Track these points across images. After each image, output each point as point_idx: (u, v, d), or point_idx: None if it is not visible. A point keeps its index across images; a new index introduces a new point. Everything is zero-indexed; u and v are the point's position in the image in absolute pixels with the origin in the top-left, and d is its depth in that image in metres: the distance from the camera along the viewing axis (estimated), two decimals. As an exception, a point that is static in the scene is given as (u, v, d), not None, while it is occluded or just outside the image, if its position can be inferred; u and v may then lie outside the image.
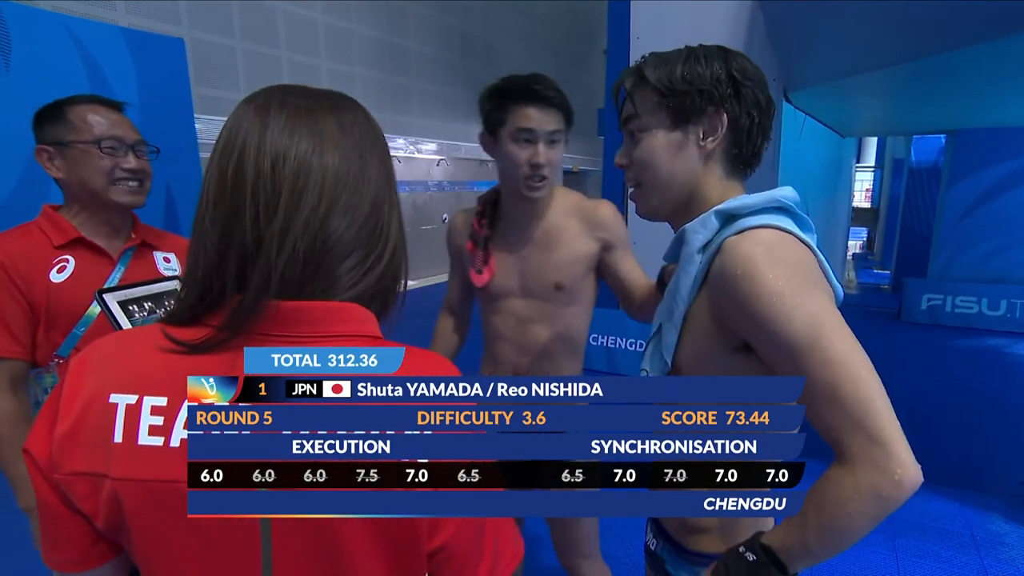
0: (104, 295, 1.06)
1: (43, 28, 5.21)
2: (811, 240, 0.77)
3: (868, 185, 14.87)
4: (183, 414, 0.51)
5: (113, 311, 1.04)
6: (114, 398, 0.51)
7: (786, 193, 0.80)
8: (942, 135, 7.16)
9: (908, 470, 0.63)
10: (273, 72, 7.22)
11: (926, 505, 2.79)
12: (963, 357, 5.23)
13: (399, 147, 8.93)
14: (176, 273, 1.29)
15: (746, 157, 0.85)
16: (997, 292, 6.07)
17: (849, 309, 7.20)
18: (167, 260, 1.31)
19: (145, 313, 1.08)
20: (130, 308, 1.07)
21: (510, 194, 1.39)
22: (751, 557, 0.73)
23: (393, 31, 9.10)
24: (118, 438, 0.50)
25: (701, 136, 0.82)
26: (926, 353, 5.34)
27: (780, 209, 0.79)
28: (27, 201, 5.20)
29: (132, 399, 0.51)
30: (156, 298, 1.12)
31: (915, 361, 5.08)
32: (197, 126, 6.27)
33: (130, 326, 1.04)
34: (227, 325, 0.51)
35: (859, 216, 12.32)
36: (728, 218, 0.80)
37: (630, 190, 0.92)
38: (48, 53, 5.40)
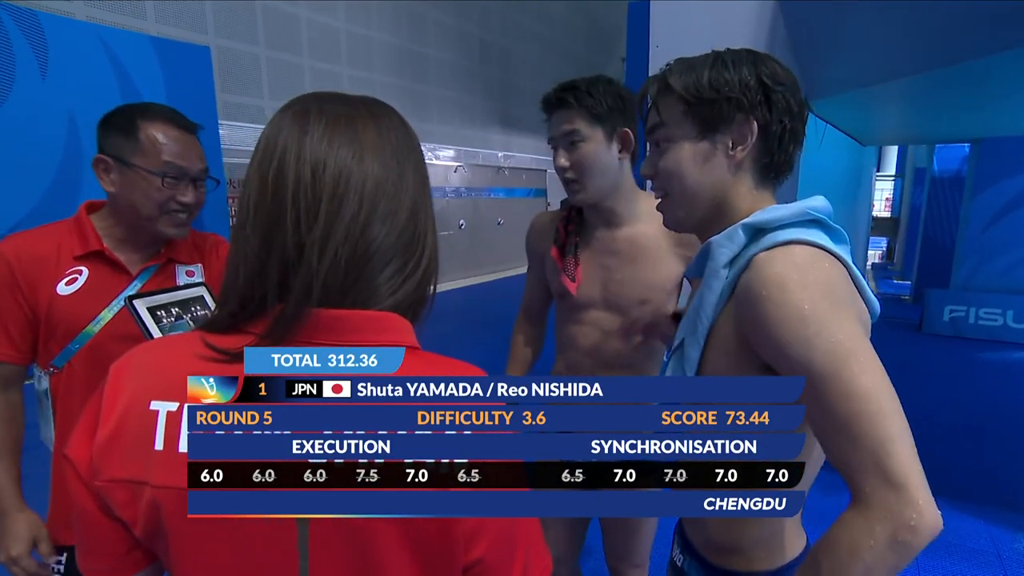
0: (134, 301, 1.05)
1: (78, 37, 5.38)
2: (845, 253, 0.73)
3: (888, 194, 14.66)
4: None
5: (143, 317, 1.04)
6: (155, 405, 0.51)
7: (817, 204, 0.76)
8: (966, 144, 7.03)
9: (925, 516, 0.59)
10: (296, 79, 7.33)
11: (951, 522, 2.71)
12: (987, 370, 5.11)
13: (417, 154, 8.99)
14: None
15: (778, 165, 0.81)
16: (1023, 304, 5.93)
17: (870, 320, 7.07)
18: (190, 274, 1.26)
19: (172, 319, 1.09)
20: (158, 314, 1.08)
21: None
22: None
23: (413, 38, 9.19)
24: (159, 446, 0.51)
25: (730, 145, 0.79)
26: (949, 366, 5.22)
27: (812, 222, 0.75)
28: (57, 205, 5.33)
29: (173, 407, 0.51)
30: (183, 304, 1.12)
31: (938, 374, 4.97)
32: (221, 132, 6.41)
33: (159, 332, 1.05)
34: (270, 333, 0.51)
35: (879, 225, 12.14)
36: (756, 232, 0.76)
37: (657, 201, 0.90)
38: (82, 61, 5.57)
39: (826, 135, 4.97)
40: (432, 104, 9.69)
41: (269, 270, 0.52)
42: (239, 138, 6.50)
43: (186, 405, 0.49)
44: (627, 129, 1.26)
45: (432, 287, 0.60)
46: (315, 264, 0.51)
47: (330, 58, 7.82)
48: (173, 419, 0.50)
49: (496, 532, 0.53)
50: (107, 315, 1.12)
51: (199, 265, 1.27)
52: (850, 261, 0.73)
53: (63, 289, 1.11)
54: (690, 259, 1.25)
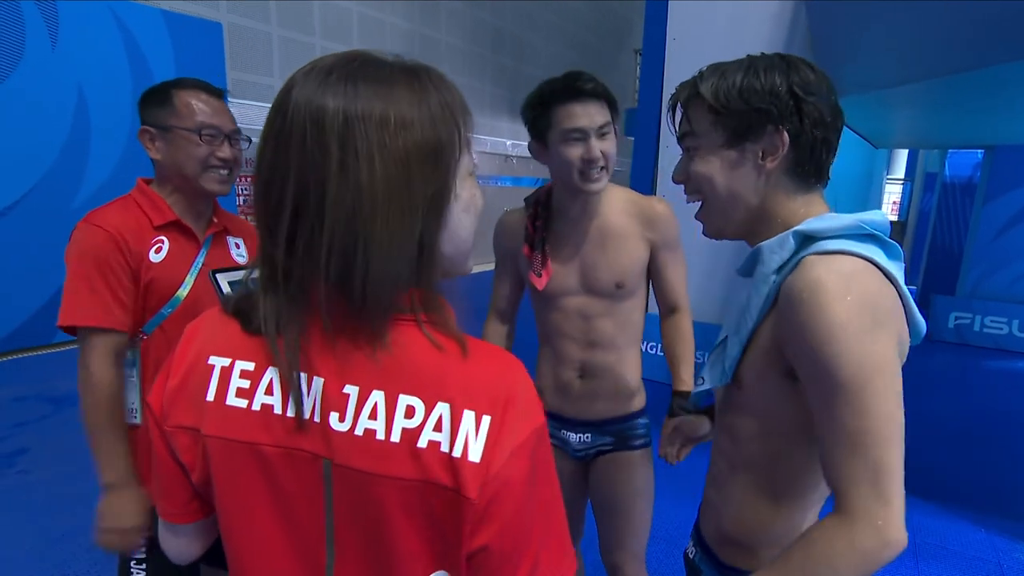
0: (217, 275, 1.20)
1: (90, 8, 5.34)
2: (897, 271, 0.72)
3: (896, 198, 14.60)
4: (266, 380, 0.53)
5: (223, 288, 1.19)
6: (212, 360, 0.55)
7: (874, 218, 0.74)
8: (979, 150, 6.99)
9: (899, 535, 0.64)
10: (306, 59, 7.24)
11: (952, 530, 2.73)
12: (991, 379, 5.11)
13: (426, 139, 8.94)
14: (244, 258, 1.35)
15: (808, 174, 0.79)
16: (1029, 314, 5.92)
17: (874, 323, 7.05)
18: (237, 246, 1.36)
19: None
20: (234, 286, 1.21)
21: (566, 192, 1.37)
22: None
23: (425, 23, 9.11)
24: (210, 396, 0.54)
25: (760, 155, 0.77)
26: (952, 373, 5.23)
27: (868, 236, 0.73)
28: (65, 175, 5.30)
29: (226, 362, 0.55)
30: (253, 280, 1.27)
31: (941, 381, 4.97)
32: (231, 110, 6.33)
33: None
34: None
35: (886, 229, 12.09)
36: (805, 239, 0.75)
37: (696, 210, 0.87)
38: (93, 33, 5.54)
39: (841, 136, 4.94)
40: (442, 90, 9.62)
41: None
42: (248, 117, 6.46)
43: (269, 370, 0.53)
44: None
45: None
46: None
47: (342, 39, 7.75)
48: (225, 373, 0.54)
49: (507, 521, 0.51)
50: (190, 280, 1.22)
51: (242, 239, 1.39)
52: (900, 279, 0.72)
53: (154, 257, 1.19)
54: (652, 241, 1.40)
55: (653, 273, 1.45)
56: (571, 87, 1.26)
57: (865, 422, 0.64)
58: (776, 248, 0.77)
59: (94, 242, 1.14)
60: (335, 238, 0.48)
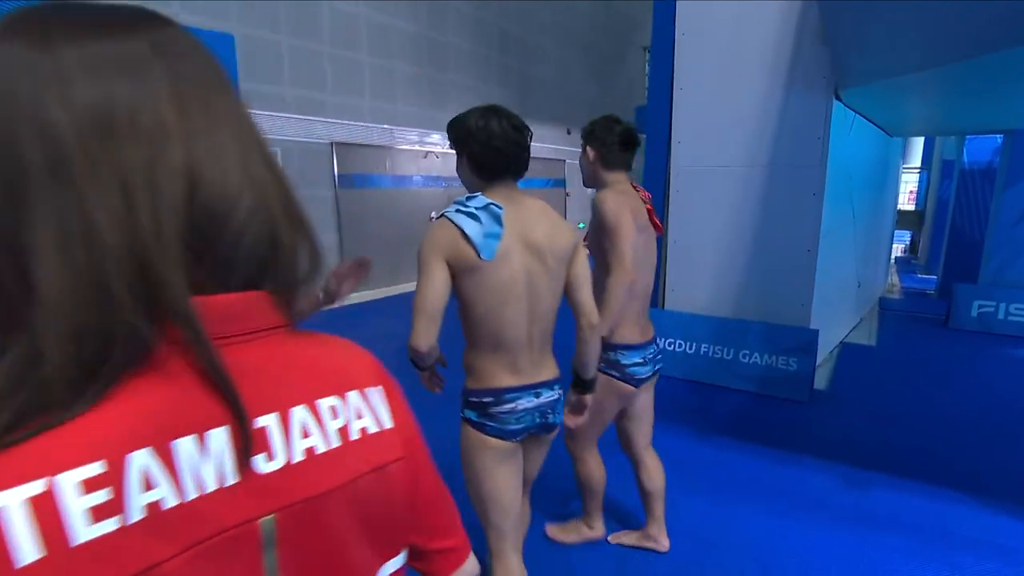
0: None
1: (103, 24, 5.38)
2: (463, 223, 1.41)
3: (912, 187, 14.39)
4: (135, 475, 0.36)
5: None
6: (5, 496, 0.33)
7: (471, 200, 1.46)
8: (998, 136, 6.87)
9: (415, 342, 1.42)
10: (316, 66, 7.33)
11: (984, 520, 2.69)
12: (1018, 367, 5.01)
13: (436, 142, 8.98)
14: None
15: (482, 174, 1.52)
16: (1055, 300, 5.81)
17: (893, 315, 6.97)
18: None
19: None
20: None
21: None
22: None
23: (432, 26, 9.15)
24: (37, 552, 0.32)
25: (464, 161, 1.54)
26: (977, 362, 5.13)
27: (463, 211, 1.44)
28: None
29: (39, 487, 0.34)
30: None
31: (965, 370, 4.89)
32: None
33: None
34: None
35: (902, 219, 11.89)
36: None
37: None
38: (107, 48, 5.59)
39: (854, 125, 4.87)
40: (451, 92, 9.64)
41: None
42: (260, 126, 6.51)
43: (56, 476, 0.35)
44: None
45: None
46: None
47: (350, 46, 7.80)
48: (42, 504, 0.34)
49: (427, 464, 0.58)
50: None
51: None
52: (468, 228, 1.40)
53: None
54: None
55: None
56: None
57: (417, 290, 1.42)
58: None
59: None
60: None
